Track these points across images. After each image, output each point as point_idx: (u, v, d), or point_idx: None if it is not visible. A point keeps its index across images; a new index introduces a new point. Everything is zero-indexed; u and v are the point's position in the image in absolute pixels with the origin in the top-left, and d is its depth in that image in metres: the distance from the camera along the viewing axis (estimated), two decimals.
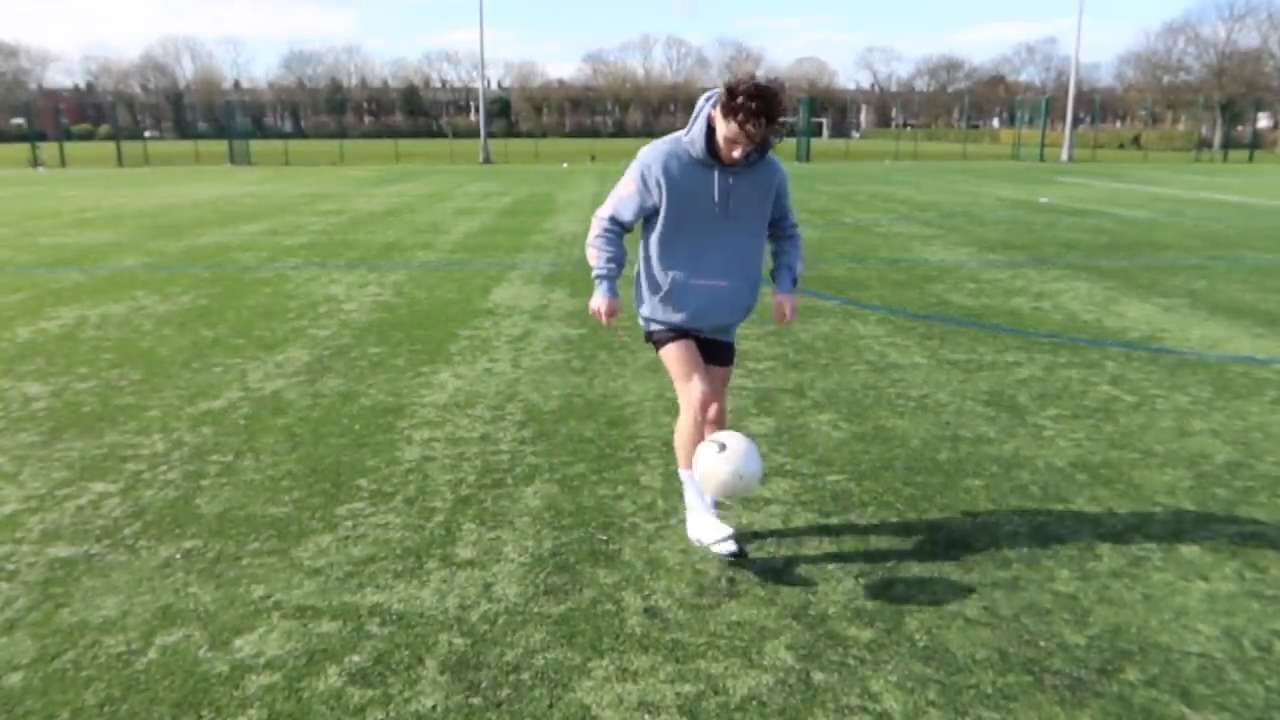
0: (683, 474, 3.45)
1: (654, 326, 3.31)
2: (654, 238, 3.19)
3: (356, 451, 4.47)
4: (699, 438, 3.26)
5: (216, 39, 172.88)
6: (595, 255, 3.22)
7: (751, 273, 3.26)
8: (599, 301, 3.22)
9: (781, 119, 2.90)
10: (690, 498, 3.46)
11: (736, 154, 2.99)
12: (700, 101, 3.10)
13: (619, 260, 3.23)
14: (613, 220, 3.21)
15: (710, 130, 3.03)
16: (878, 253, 11.55)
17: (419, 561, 3.35)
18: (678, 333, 3.26)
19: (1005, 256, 11.21)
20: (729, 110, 2.88)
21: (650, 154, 3.12)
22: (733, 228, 3.16)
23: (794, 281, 3.34)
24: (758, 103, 2.82)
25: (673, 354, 3.25)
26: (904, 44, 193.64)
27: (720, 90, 2.94)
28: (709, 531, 3.35)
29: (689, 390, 3.23)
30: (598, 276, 3.22)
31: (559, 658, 2.76)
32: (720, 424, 3.34)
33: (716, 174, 3.09)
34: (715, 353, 3.37)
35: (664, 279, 3.19)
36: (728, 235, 3.16)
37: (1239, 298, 8.49)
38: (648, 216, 3.21)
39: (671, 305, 3.22)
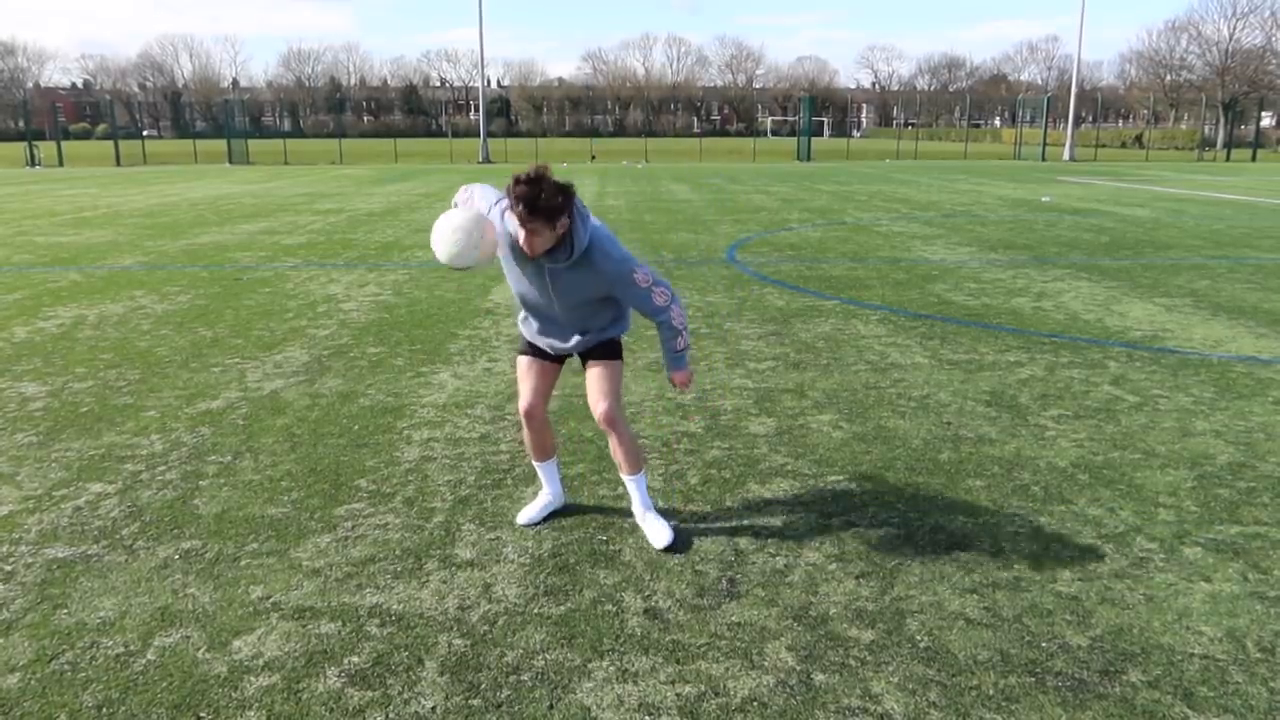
0: (534, 463, 3.73)
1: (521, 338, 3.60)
2: None
3: (356, 452, 4.45)
4: (532, 439, 3.61)
5: (214, 37, 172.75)
6: None
7: (596, 327, 3.40)
8: None
9: (546, 205, 2.90)
10: (542, 488, 3.77)
11: (524, 243, 3.02)
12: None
13: None
14: None
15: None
16: (878, 252, 11.54)
17: (418, 562, 3.34)
18: (529, 348, 3.54)
19: (1006, 256, 11.19)
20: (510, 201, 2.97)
21: (501, 221, 3.24)
22: (565, 308, 3.30)
23: (677, 358, 3.38)
24: (520, 188, 2.89)
25: (518, 364, 3.60)
26: (905, 43, 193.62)
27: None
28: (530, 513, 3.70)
29: (520, 397, 3.55)
30: None
31: (559, 659, 2.75)
32: (612, 426, 3.43)
33: (534, 265, 3.19)
34: (586, 353, 3.48)
35: (521, 317, 3.55)
36: (561, 313, 3.32)
37: (1242, 297, 8.48)
38: None
39: (526, 332, 3.55)
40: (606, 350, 3.46)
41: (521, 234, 3.01)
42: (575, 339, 3.41)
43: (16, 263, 10.91)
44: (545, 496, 3.73)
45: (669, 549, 3.42)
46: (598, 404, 3.41)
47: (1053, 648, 2.80)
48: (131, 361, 6.19)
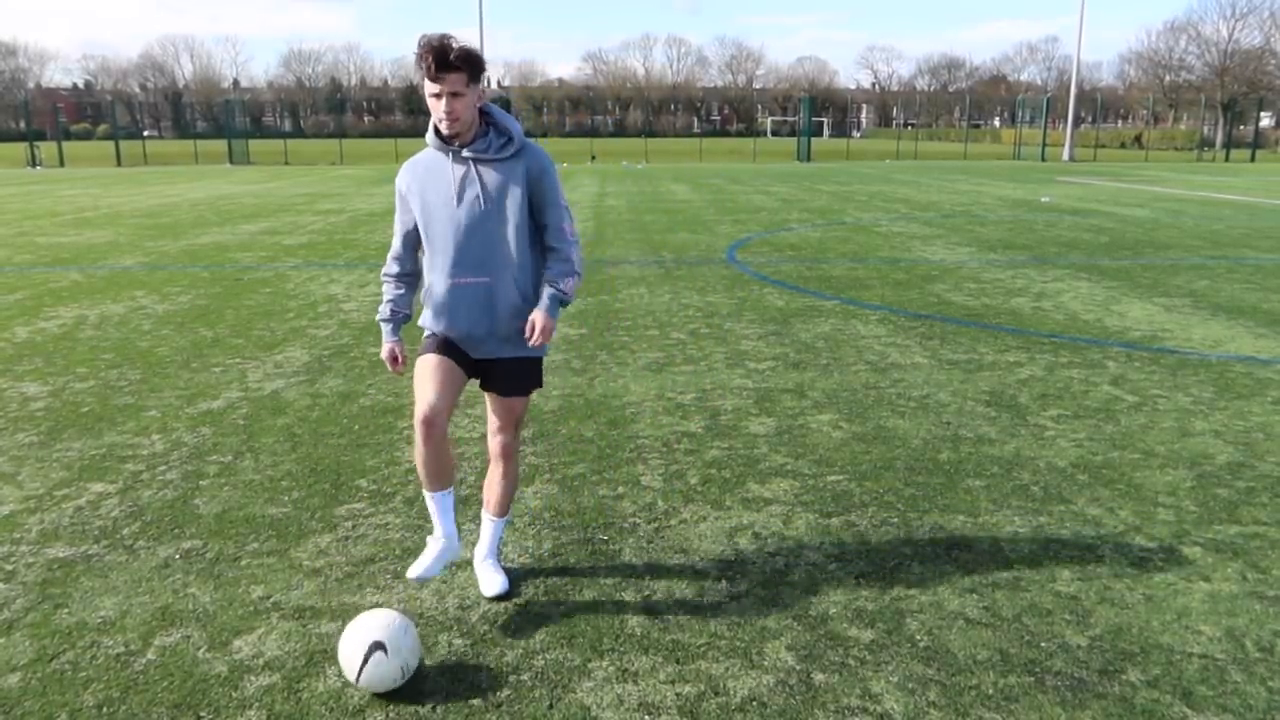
0: (425, 495, 3.08)
1: (425, 336, 3.08)
2: (424, 248, 3.01)
3: (356, 451, 4.46)
4: (427, 457, 2.96)
5: (215, 38, 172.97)
6: (383, 295, 3.14)
7: (516, 266, 2.91)
8: (383, 349, 3.13)
9: (460, 55, 2.67)
10: (434, 525, 3.10)
11: (442, 113, 2.74)
12: None
13: (399, 301, 3.08)
14: (391, 255, 3.08)
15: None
16: (878, 252, 11.54)
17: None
18: (438, 346, 3.02)
19: (1006, 256, 11.20)
20: (418, 70, 2.74)
21: (400, 171, 2.99)
22: (487, 217, 2.85)
23: (556, 299, 2.92)
24: (428, 49, 2.66)
25: (419, 365, 3.02)
26: (905, 43, 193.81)
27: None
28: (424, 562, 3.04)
29: (417, 404, 2.95)
30: (379, 320, 3.13)
31: (559, 658, 2.75)
32: (508, 460, 3.14)
33: (453, 159, 2.86)
34: (497, 378, 3.08)
35: (429, 285, 3.01)
36: (484, 226, 2.86)
37: (1241, 297, 8.48)
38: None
39: (435, 311, 3.01)
40: (518, 382, 3.09)
41: (440, 105, 2.72)
42: (508, 300, 2.92)
43: (18, 263, 10.92)
44: (439, 541, 3.05)
45: (498, 597, 3.08)
46: (499, 432, 3.10)
47: (1052, 647, 2.80)
48: (132, 361, 6.19)
